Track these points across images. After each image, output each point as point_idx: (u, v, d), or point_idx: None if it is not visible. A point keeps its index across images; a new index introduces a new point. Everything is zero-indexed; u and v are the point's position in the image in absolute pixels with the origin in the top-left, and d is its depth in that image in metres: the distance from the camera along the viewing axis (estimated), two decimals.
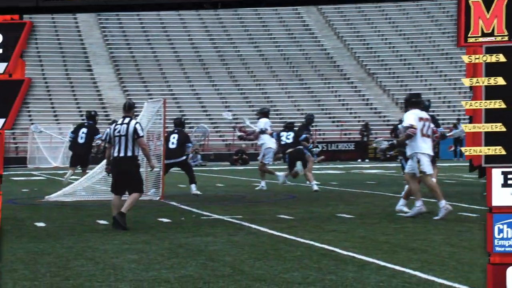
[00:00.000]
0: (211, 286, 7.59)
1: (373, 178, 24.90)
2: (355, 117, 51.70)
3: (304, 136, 20.98)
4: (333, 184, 22.32)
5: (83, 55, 57.15)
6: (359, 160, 42.51)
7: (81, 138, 20.07)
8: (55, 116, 49.33)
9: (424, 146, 13.11)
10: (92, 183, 17.88)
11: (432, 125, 13.51)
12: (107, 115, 49.66)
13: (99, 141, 19.98)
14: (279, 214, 13.86)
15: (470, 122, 6.16)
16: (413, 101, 13.43)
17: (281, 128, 21.20)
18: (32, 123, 43.87)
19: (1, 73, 6.65)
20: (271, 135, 20.53)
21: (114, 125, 12.60)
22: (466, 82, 6.15)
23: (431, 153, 13.33)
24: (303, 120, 23.26)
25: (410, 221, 12.56)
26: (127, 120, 12.38)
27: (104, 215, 13.91)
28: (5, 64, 6.67)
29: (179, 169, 19.13)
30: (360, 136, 45.79)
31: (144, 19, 61.14)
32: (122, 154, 12.19)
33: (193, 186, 18.46)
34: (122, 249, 9.87)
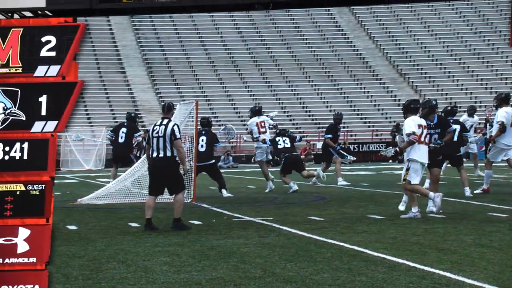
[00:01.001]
0: None
1: None
2: (387, 117, 51.50)
3: (299, 137, 21.02)
4: (364, 185, 22.25)
5: (117, 57, 57.58)
6: (390, 161, 42.30)
7: (121, 137, 20.27)
8: (88, 118, 49.72)
9: (419, 154, 13.28)
10: (124, 186, 17.96)
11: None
12: (140, 118, 49.94)
13: (140, 138, 20.03)
14: (310, 216, 13.87)
15: None
16: (412, 108, 13.63)
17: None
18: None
19: (54, 75, 6.67)
20: (264, 141, 20.18)
21: (153, 126, 12.71)
22: None
23: (426, 161, 13.46)
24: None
25: (441, 222, 12.52)
26: (165, 121, 12.52)
27: (136, 217, 13.98)
28: (58, 66, 6.68)
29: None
30: (391, 136, 45.58)
31: (177, 21, 61.46)
32: (161, 155, 12.31)
33: (224, 191, 18.50)
34: (154, 252, 9.92)
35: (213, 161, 18.80)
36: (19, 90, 6.67)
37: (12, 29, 6.76)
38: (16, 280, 6.28)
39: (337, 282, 7.79)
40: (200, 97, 48.98)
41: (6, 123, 6.63)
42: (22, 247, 6.39)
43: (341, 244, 10.28)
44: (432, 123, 14.33)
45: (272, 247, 10.14)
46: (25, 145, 6.56)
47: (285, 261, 9.00)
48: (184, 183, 12.91)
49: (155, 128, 12.51)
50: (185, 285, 7.77)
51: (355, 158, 26.74)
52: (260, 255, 9.47)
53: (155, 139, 12.38)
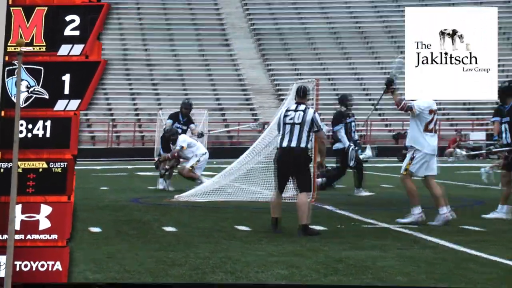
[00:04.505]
0: None
1: None
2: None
3: None
4: None
5: (220, 27, 57.99)
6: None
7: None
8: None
9: (426, 144, 13.73)
10: (230, 181, 17.99)
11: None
12: (247, 99, 50.26)
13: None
14: (464, 224, 13.54)
15: None
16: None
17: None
18: (161, 108, 44.80)
19: (78, 54, 8.01)
20: None
21: (285, 110, 12.97)
22: None
23: (435, 152, 13.86)
24: None
25: None
26: (302, 107, 12.77)
27: (242, 219, 14.07)
28: (82, 45, 8.02)
29: None
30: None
31: None
32: (293, 144, 12.53)
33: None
34: (268, 262, 9.85)
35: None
36: (42, 68, 8.01)
37: (37, 8, 8.08)
38: (37, 256, 7.71)
39: None
40: (321, 75, 48.79)
41: (30, 101, 7.98)
42: (44, 223, 7.80)
43: (510, 263, 9.96)
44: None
45: (417, 262, 9.95)
46: (48, 123, 7.94)
47: (435, 281, 8.80)
48: (310, 185, 13.17)
49: (288, 114, 12.74)
50: None
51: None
52: (402, 272, 9.28)
53: (288, 126, 12.63)
